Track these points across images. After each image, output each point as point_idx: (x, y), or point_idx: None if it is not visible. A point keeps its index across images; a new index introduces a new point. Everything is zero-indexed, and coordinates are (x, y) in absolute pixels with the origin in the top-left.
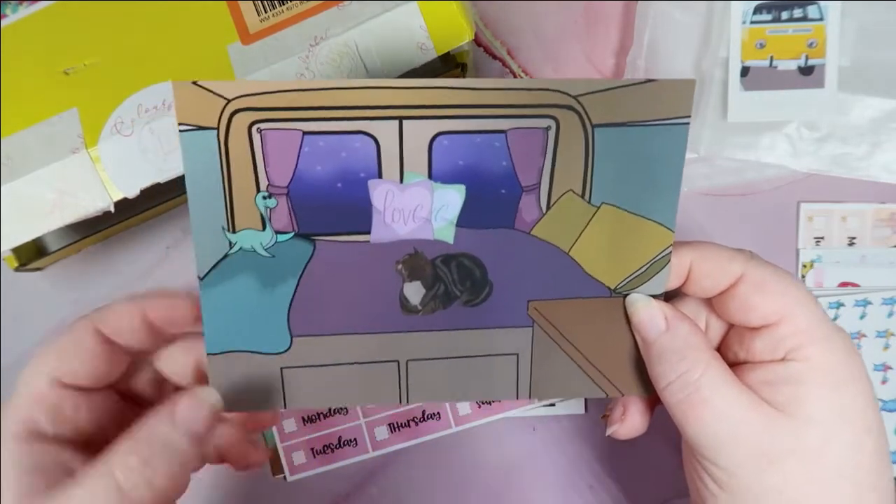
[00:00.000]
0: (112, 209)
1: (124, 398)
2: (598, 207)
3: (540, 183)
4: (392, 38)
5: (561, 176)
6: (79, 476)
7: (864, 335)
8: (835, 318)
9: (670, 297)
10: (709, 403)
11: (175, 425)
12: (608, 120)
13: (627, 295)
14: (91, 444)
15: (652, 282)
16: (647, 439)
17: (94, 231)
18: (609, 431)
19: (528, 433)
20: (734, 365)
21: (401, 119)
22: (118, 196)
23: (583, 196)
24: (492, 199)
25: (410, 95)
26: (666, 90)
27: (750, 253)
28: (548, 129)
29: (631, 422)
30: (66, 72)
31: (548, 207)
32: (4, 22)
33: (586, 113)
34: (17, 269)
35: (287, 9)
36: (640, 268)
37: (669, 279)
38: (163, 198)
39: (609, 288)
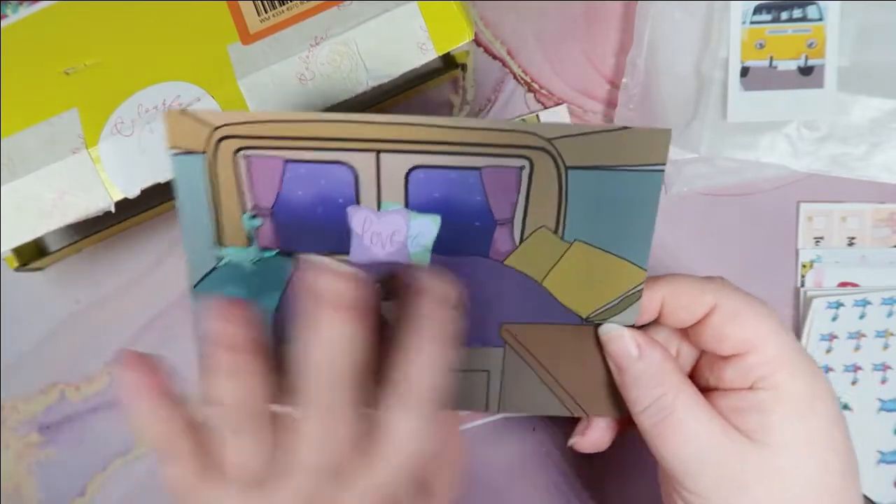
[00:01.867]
0: (112, 209)
1: None
2: (571, 244)
3: (514, 217)
4: (392, 38)
5: (534, 213)
6: None
7: (863, 335)
8: (834, 319)
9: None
10: (683, 425)
11: None
12: (582, 163)
13: (599, 324)
14: None
15: (624, 313)
16: None
17: (94, 231)
18: (570, 442)
19: (528, 433)
20: (705, 391)
21: (378, 152)
22: (118, 196)
23: (556, 232)
24: (466, 230)
25: (388, 130)
26: (641, 138)
27: (722, 280)
28: (521, 168)
29: (592, 436)
30: (67, 72)
31: (521, 241)
32: (4, 22)
33: (560, 155)
34: (17, 269)
35: (287, 9)
36: (612, 301)
37: (642, 315)
38: (163, 198)
39: (581, 317)
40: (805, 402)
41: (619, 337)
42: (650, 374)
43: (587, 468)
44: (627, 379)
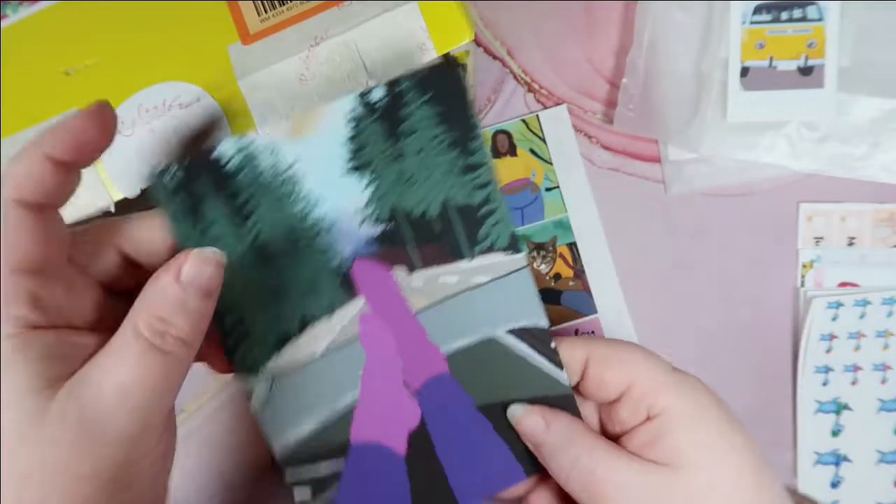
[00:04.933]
0: (112, 209)
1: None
2: None
3: None
4: (392, 38)
5: None
6: (102, 349)
7: (863, 335)
8: (834, 319)
9: None
10: (608, 481)
11: (183, 284)
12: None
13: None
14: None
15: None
16: None
17: None
18: None
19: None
20: (615, 439)
21: None
22: (118, 196)
23: None
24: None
25: None
26: None
27: (592, 335)
28: None
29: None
30: (67, 72)
31: None
32: (4, 22)
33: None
34: None
35: (287, 9)
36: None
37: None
38: None
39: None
40: (694, 415)
41: (525, 414)
42: (561, 439)
43: None
44: (545, 452)
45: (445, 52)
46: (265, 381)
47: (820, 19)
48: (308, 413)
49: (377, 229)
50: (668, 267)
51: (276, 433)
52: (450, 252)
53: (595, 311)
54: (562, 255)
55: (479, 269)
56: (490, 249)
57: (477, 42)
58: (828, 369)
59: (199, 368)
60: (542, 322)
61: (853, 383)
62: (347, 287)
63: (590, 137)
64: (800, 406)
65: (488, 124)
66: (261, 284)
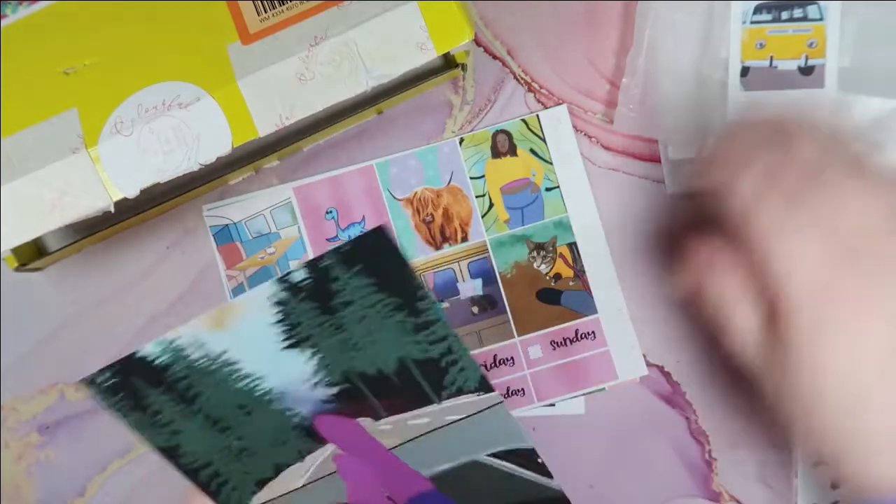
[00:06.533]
0: (112, 209)
1: None
2: None
3: None
4: (392, 38)
5: None
6: None
7: None
8: None
9: None
10: None
11: None
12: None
13: None
14: None
15: None
16: (648, 439)
17: (94, 231)
18: None
19: (528, 433)
20: None
21: None
22: (118, 196)
23: None
24: None
25: None
26: None
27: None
28: None
29: None
30: (66, 72)
31: None
32: (4, 22)
33: None
34: (17, 269)
35: (287, 9)
36: None
37: None
38: (163, 198)
39: None
40: None
41: None
42: None
43: (587, 468)
44: None
45: (445, 51)
46: None
47: (821, 19)
48: None
49: (332, 390)
50: (668, 267)
51: None
52: (417, 400)
53: (595, 311)
54: (562, 255)
55: (451, 410)
56: (459, 392)
57: (477, 42)
58: None
59: None
60: (527, 444)
61: None
62: (314, 436)
63: (590, 137)
64: None
65: (488, 124)
66: (227, 445)
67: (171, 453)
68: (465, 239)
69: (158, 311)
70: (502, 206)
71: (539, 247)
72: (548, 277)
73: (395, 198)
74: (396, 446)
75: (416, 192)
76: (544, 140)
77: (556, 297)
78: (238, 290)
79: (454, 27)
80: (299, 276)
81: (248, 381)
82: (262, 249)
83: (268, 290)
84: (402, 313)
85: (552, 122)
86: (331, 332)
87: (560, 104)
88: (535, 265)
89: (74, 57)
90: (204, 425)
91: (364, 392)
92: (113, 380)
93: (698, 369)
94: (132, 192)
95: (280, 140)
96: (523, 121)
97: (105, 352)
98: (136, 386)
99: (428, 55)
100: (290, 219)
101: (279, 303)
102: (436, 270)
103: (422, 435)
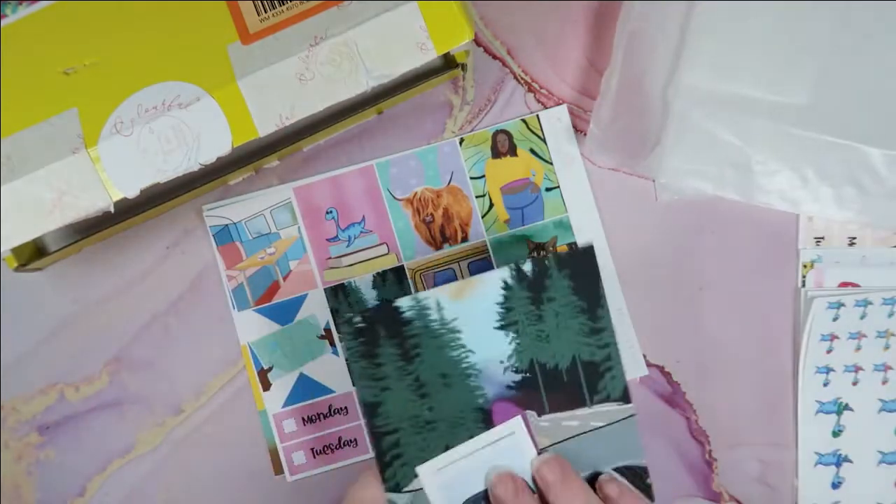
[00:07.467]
0: (112, 209)
1: None
2: None
3: None
4: (392, 38)
5: None
6: None
7: (864, 335)
8: (835, 319)
9: None
10: None
11: None
12: None
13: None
14: None
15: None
16: (647, 439)
17: (94, 231)
18: None
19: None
20: None
21: None
22: (118, 196)
23: None
24: None
25: None
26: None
27: None
28: None
29: None
30: (66, 72)
31: None
32: (4, 22)
33: None
34: (16, 269)
35: (287, 9)
36: None
37: None
38: (163, 198)
39: None
40: None
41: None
42: None
43: None
44: None
45: (445, 51)
46: (405, 499)
47: None
48: None
49: (517, 377)
50: (669, 267)
51: None
52: (574, 399)
53: None
54: None
55: (596, 416)
56: (606, 399)
57: (477, 42)
58: (828, 370)
59: (200, 367)
60: (643, 461)
61: (854, 384)
62: (487, 422)
63: None
64: (801, 406)
65: (488, 124)
66: (417, 415)
67: (371, 410)
68: (465, 239)
69: (158, 310)
70: (502, 206)
71: (539, 247)
72: None
73: (395, 198)
74: (545, 448)
75: (416, 193)
76: (544, 140)
77: None
78: (238, 291)
79: (454, 27)
80: (528, 266)
81: (460, 351)
82: (262, 249)
83: (505, 273)
84: (585, 317)
85: (552, 122)
86: (533, 320)
87: (560, 104)
88: None
89: (74, 57)
90: (410, 387)
91: (538, 384)
92: (365, 322)
93: (698, 369)
94: (132, 192)
95: (280, 140)
96: (523, 121)
97: (105, 352)
98: (377, 334)
99: (428, 55)
100: (290, 219)
101: (506, 287)
102: (436, 270)
103: (568, 439)
